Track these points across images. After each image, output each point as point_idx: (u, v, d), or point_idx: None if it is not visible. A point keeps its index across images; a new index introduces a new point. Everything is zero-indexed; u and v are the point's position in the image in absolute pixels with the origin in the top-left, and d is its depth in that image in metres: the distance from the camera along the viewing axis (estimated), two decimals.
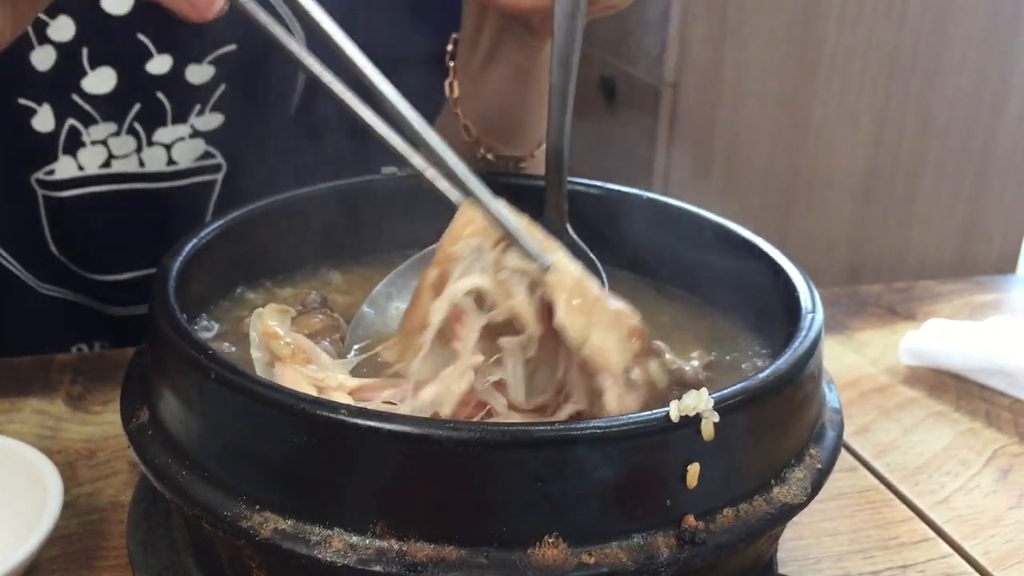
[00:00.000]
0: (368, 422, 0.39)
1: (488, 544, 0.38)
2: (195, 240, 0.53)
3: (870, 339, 0.81)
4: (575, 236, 0.57)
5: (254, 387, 0.40)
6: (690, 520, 0.40)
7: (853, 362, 0.78)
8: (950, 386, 0.75)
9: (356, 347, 0.53)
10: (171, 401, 0.44)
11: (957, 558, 0.57)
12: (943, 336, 0.76)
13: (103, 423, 0.64)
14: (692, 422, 0.40)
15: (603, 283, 0.54)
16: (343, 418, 0.39)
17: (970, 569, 0.56)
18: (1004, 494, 0.63)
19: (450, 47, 0.72)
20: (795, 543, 0.57)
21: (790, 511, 0.44)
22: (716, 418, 0.40)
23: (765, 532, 0.43)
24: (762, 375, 0.43)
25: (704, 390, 0.41)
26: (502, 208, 0.46)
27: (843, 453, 0.65)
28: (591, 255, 0.56)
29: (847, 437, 0.67)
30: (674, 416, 0.40)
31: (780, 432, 0.44)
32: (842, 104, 1.77)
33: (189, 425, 0.43)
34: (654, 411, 0.40)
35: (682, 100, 1.70)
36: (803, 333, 0.47)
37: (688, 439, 0.40)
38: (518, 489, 0.39)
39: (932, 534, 0.59)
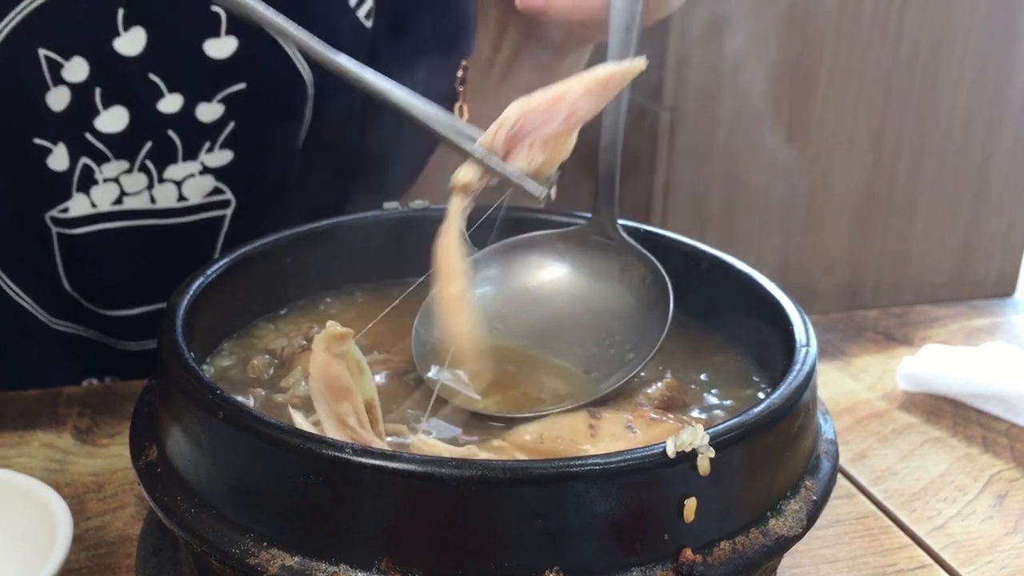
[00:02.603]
0: (372, 461, 0.39)
1: None
2: (202, 278, 0.54)
3: (867, 365, 0.82)
4: (625, 235, 0.58)
5: (261, 427, 0.41)
6: (688, 553, 0.41)
7: (850, 388, 0.78)
8: (947, 412, 0.76)
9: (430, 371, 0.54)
10: (179, 439, 0.45)
11: None
12: (939, 362, 0.77)
13: (111, 456, 0.65)
14: (688, 457, 0.41)
15: (669, 290, 0.55)
16: (348, 457, 0.40)
17: None
18: (1000, 520, 0.63)
19: (460, 73, 0.73)
20: (794, 571, 0.57)
21: (786, 543, 0.44)
22: (712, 453, 0.41)
23: (762, 564, 0.44)
24: (756, 409, 0.44)
25: (700, 426, 0.41)
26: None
27: (841, 480, 0.66)
28: (649, 256, 0.57)
29: (845, 463, 0.68)
30: (671, 452, 0.41)
31: (776, 465, 0.45)
32: (838, 126, 1.78)
33: (197, 463, 0.44)
34: (651, 447, 0.41)
35: (681, 123, 1.71)
36: (797, 367, 0.48)
37: (685, 474, 0.41)
38: (519, 525, 0.39)
39: (929, 560, 0.60)
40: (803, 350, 0.49)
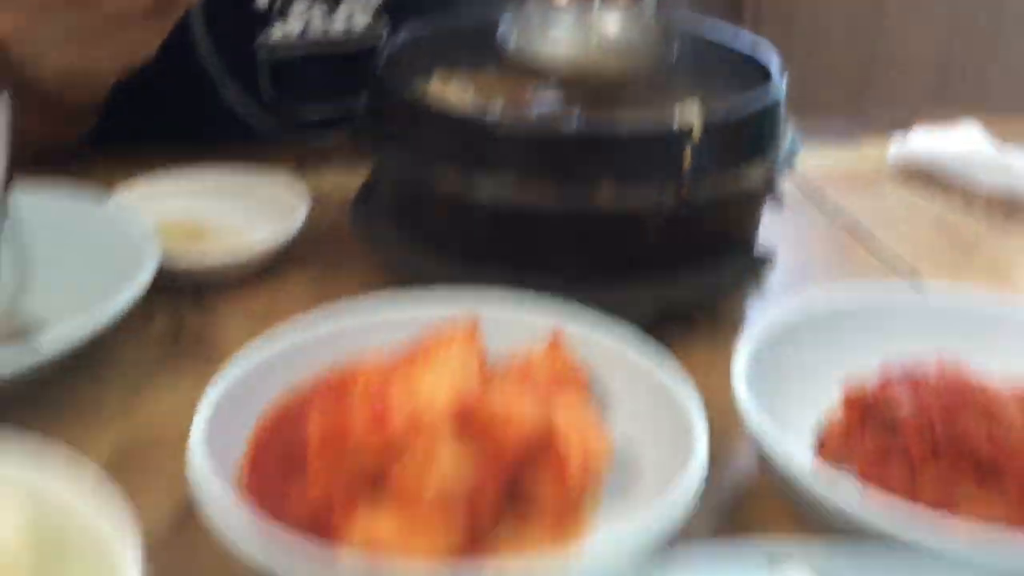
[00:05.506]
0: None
1: None
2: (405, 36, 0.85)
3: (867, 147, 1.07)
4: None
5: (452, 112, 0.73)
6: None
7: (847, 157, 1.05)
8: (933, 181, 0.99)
9: None
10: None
11: None
12: (928, 139, 1.02)
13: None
14: (688, 129, 0.70)
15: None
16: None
17: None
18: None
19: None
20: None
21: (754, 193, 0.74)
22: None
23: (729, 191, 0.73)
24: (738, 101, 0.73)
25: (695, 106, 0.71)
26: None
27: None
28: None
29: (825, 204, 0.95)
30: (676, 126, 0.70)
31: (744, 137, 0.74)
32: None
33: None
34: (664, 122, 0.71)
35: None
36: (772, 84, 0.76)
37: (684, 137, 0.70)
38: (586, 155, 0.70)
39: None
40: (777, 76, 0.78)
